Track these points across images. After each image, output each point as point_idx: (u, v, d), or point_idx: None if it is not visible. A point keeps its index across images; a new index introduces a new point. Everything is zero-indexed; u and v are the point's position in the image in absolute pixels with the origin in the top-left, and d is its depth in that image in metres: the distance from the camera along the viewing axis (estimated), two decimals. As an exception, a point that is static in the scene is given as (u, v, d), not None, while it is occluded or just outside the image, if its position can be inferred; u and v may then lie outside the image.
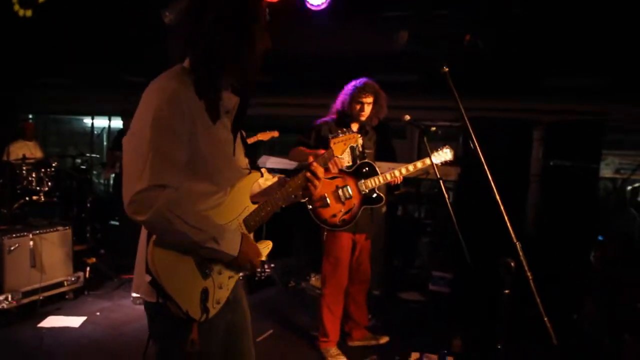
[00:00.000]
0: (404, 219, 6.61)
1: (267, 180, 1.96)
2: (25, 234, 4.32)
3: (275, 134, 5.05)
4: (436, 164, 3.50)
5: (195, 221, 1.53)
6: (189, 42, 1.57)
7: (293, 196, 1.88)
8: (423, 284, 5.57)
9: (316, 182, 1.83)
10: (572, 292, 4.63)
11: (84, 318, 4.23)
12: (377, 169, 3.60)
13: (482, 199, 4.58)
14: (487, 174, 1.78)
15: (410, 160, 7.00)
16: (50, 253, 4.52)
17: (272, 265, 5.59)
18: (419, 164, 3.55)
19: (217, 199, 1.67)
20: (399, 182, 3.60)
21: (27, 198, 5.73)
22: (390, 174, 3.52)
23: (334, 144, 2.02)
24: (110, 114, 10.37)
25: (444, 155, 3.57)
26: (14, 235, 4.23)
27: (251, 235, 1.82)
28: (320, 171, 1.84)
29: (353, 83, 3.58)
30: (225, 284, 1.72)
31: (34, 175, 5.78)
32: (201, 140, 1.57)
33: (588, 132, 5.22)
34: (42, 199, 5.80)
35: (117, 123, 10.32)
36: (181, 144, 1.51)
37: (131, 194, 1.46)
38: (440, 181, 3.28)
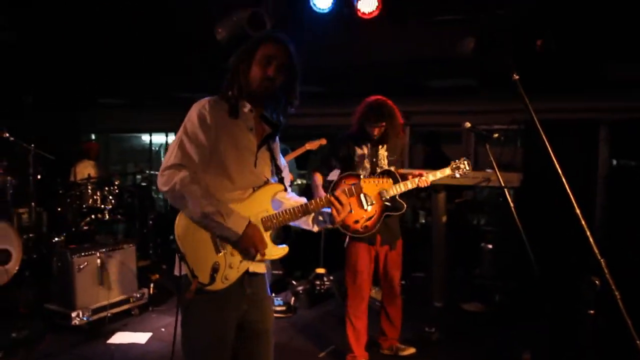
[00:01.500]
0: (463, 227, 6.44)
1: (297, 203, 2.17)
2: (93, 252, 4.47)
3: (323, 141, 5.04)
4: (461, 173, 3.49)
5: (207, 196, 1.87)
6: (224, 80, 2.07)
7: (320, 218, 2.16)
8: (486, 294, 5.39)
9: (338, 207, 2.05)
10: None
11: (149, 334, 4.32)
12: (398, 177, 3.58)
13: (546, 205, 4.39)
14: (563, 184, 1.67)
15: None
16: (116, 270, 4.65)
17: (332, 277, 5.55)
18: (439, 174, 3.48)
19: (238, 195, 1.99)
20: (423, 185, 3.50)
21: (92, 216, 5.96)
22: (411, 181, 3.47)
23: (365, 182, 2.13)
24: (166, 131, 10.66)
25: (463, 166, 3.50)
26: (82, 254, 4.39)
27: (267, 234, 2.03)
28: (343, 198, 2.05)
29: (366, 104, 3.57)
30: (235, 265, 1.96)
31: (98, 194, 6.01)
32: (225, 145, 1.96)
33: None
34: (107, 217, 6.02)
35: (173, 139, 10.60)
36: (198, 147, 1.92)
37: (161, 170, 1.92)
38: (505, 190, 3.19)
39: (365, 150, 3.64)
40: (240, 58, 2.02)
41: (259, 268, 2.09)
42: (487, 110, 6.89)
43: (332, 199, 2.04)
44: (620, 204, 5.07)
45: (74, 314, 4.23)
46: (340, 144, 3.71)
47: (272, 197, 2.08)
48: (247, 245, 1.93)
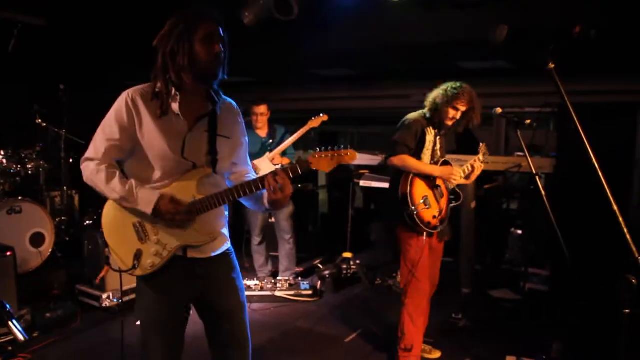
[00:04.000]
0: (493, 212, 6.33)
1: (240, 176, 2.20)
2: (123, 235, 4.54)
3: (325, 117, 4.87)
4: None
5: (111, 184, 1.95)
6: (153, 70, 2.00)
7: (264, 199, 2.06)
8: (515, 281, 5.31)
9: (273, 185, 1.89)
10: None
11: (178, 316, 4.39)
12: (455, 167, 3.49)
13: (580, 193, 4.26)
14: (597, 173, 1.59)
15: (497, 149, 6.71)
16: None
17: (358, 261, 5.54)
18: (478, 162, 3.53)
19: (161, 184, 2.00)
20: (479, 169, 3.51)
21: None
22: (467, 166, 3.45)
23: (315, 157, 1.92)
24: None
25: (484, 151, 3.58)
26: (112, 237, 4.46)
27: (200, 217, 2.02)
28: (279, 178, 1.88)
29: (452, 85, 3.34)
30: (159, 252, 2.00)
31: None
32: (144, 137, 1.96)
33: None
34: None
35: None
36: (109, 141, 1.97)
37: (81, 163, 2.05)
38: (537, 177, 3.10)
39: (431, 137, 3.46)
40: (177, 40, 1.92)
41: (202, 253, 2.08)
42: (520, 92, 6.70)
43: (267, 178, 1.91)
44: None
45: (104, 296, 4.33)
46: (417, 122, 3.40)
47: (198, 182, 2.02)
48: (165, 217, 1.95)
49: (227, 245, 2.21)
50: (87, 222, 5.95)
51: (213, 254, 2.12)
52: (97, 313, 4.36)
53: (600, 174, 1.57)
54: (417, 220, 3.29)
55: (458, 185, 3.49)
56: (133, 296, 4.49)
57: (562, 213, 3.06)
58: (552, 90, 1.85)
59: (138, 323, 2.16)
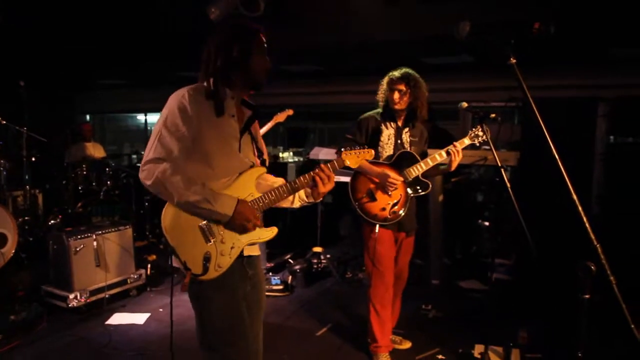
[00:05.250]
0: (460, 205, 6.44)
1: (274, 182, 2.27)
2: (89, 235, 4.45)
3: (290, 112, 4.89)
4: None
5: (190, 186, 1.87)
6: (207, 70, 2.04)
7: (304, 194, 2.23)
8: (483, 271, 5.42)
9: (324, 177, 2.10)
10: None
11: (147, 315, 4.35)
12: (417, 157, 3.43)
13: (543, 185, 4.38)
14: (558, 165, 1.65)
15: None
16: (113, 252, 4.65)
17: (328, 256, 5.57)
18: (459, 145, 3.32)
19: (223, 182, 2.00)
20: (456, 155, 3.30)
21: (88, 198, 5.95)
22: (432, 158, 3.34)
23: (345, 154, 2.23)
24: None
25: (481, 133, 3.30)
26: (79, 236, 4.38)
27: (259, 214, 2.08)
28: (326, 172, 2.11)
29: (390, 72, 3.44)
30: (227, 252, 1.99)
31: (93, 175, 5.99)
32: (206, 135, 1.95)
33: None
34: (103, 198, 6.01)
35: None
36: (179, 139, 1.90)
37: (142, 164, 1.92)
38: (502, 169, 3.15)
39: (391, 130, 3.46)
40: (240, 51, 2.01)
41: (253, 251, 2.15)
42: (485, 87, 6.84)
43: (315, 173, 2.10)
44: (616, 180, 5.08)
45: (71, 296, 4.24)
46: (366, 119, 3.47)
47: (256, 180, 2.10)
48: (242, 222, 1.96)
49: None
50: (52, 221, 5.82)
51: (259, 253, 2.23)
52: (64, 314, 4.27)
53: (561, 165, 1.63)
54: (362, 213, 3.37)
55: (424, 175, 3.43)
56: (101, 295, 4.44)
57: (527, 204, 3.13)
58: (516, 85, 1.89)
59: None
